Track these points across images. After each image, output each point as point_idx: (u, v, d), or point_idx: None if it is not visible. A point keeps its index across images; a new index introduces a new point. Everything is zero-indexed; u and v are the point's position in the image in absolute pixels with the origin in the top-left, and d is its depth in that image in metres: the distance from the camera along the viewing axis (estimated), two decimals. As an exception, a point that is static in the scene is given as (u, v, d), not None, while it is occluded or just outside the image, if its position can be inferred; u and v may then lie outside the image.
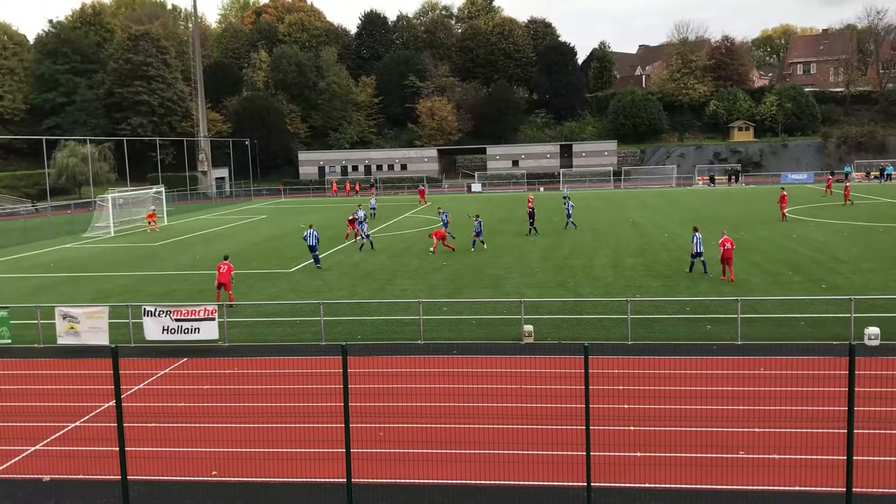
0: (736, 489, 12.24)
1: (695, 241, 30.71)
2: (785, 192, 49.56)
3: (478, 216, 41.13)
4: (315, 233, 35.51)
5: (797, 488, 12.14)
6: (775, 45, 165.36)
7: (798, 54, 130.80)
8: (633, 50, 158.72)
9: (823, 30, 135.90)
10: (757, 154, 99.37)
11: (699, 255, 30.45)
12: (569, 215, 47.67)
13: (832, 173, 76.31)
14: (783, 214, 47.94)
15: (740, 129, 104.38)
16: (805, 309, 23.59)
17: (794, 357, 18.64)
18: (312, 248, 35.39)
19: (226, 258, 27.66)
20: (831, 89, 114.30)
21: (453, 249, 38.86)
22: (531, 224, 45.54)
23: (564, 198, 64.49)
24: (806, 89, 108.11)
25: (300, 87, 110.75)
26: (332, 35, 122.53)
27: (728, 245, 28.92)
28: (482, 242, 40.12)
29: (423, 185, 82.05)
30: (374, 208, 61.11)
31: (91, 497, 12.80)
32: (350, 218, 45.55)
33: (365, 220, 43.70)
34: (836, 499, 11.42)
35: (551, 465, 13.26)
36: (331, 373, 18.82)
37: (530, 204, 47.51)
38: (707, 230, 43.84)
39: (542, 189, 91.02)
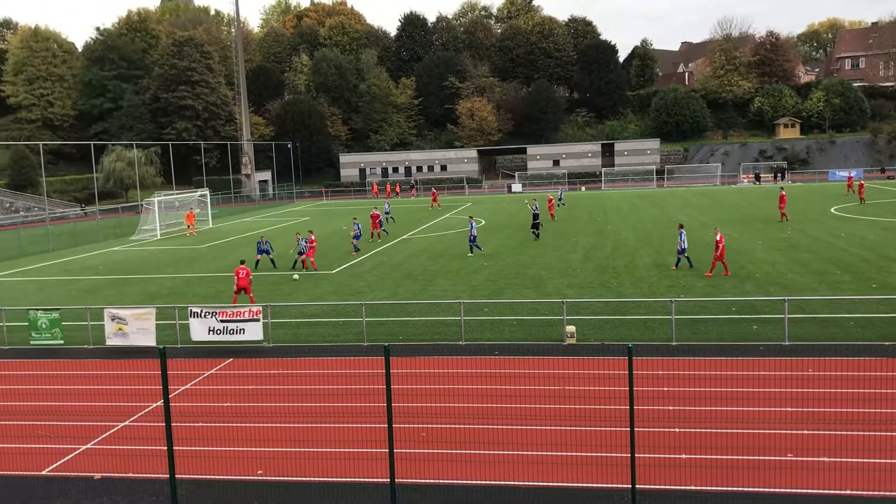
0: (784, 492, 12.01)
1: (680, 238, 31.56)
2: (784, 193, 47.81)
3: (470, 217, 40.37)
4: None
5: (848, 492, 11.88)
6: (822, 39, 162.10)
7: (846, 48, 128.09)
8: (676, 47, 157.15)
9: (873, 23, 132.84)
10: (803, 151, 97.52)
11: (684, 251, 31.46)
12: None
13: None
14: (782, 215, 46.56)
15: (786, 125, 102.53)
16: (854, 309, 23.08)
17: (844, 358, 18.24)
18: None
19: (242, 262, 28.17)
20: (881, 84, 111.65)
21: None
22: (535, 228, 43.38)
23: (559, 200, 64.29)
24: (854, 84, 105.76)
25: (341, 90, 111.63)
26: (372, 37, 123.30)
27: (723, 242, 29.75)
28: (478, 248, 38.80)
29: (434, 189, 79.83)
30: (388, 212, 57.22)
31: (140, 495, 13.04)
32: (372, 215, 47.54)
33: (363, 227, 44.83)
34: (892, 503, 11.15)
35: (595, 466, 13.16)
36: (373, 373, 18.93)
37: (535, 207, 45.09)
38: (754, 229, 43.26)
39: (583, 188, 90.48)
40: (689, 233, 43.09)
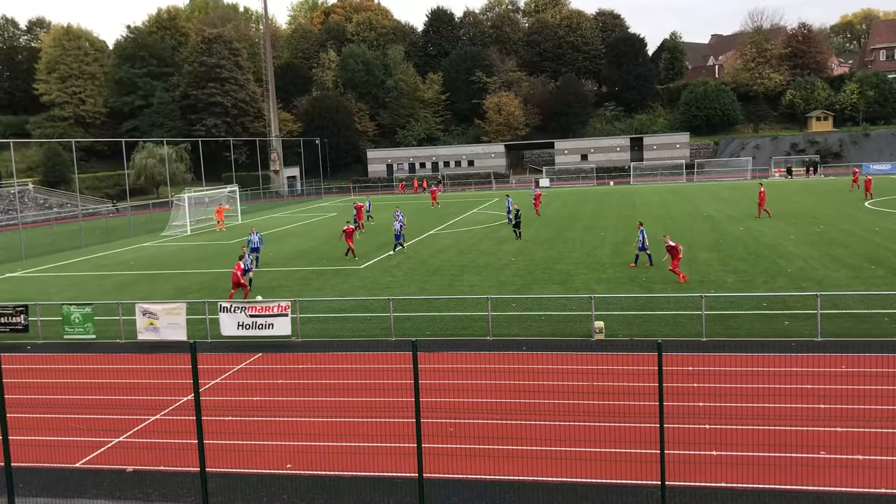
0: (816, 490, 11.84)
1: (640, 235, 31.59)
2: (763, 189, 46.58)
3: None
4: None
5: (883, 490, 11.69)
6: (856, 30, 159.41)
7: (881, 39, 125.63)
8: (706, 40, 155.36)
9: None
10: (836, 144, 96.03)
11: (644, 248, 31.41)
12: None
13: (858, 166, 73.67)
14: (759, 211, 45.78)
15: (818, 118, 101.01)
16: (889, 304, 22.68)
17: (878, 354, 17.95)
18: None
19: (241, 258, 28.62)
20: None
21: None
22: (515, 225, 42.49)
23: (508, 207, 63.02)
24: (889, 76, 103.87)
25: (368, 86, 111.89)
26: (400, 33, 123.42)
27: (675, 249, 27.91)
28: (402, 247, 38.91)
29: (434, 185, 77.91)
30: (368, 211, 55.65)
31: (171, 488, 13.18)
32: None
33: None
34: (925, 502, 10.96)
35: (624, 462, 13.08)
36: (401, 368, 18.95)
37: (512, 205, 44.21)
38: (786, 223, 42.69)
39: (612, 183, 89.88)
40: (718, 226, 42.76)
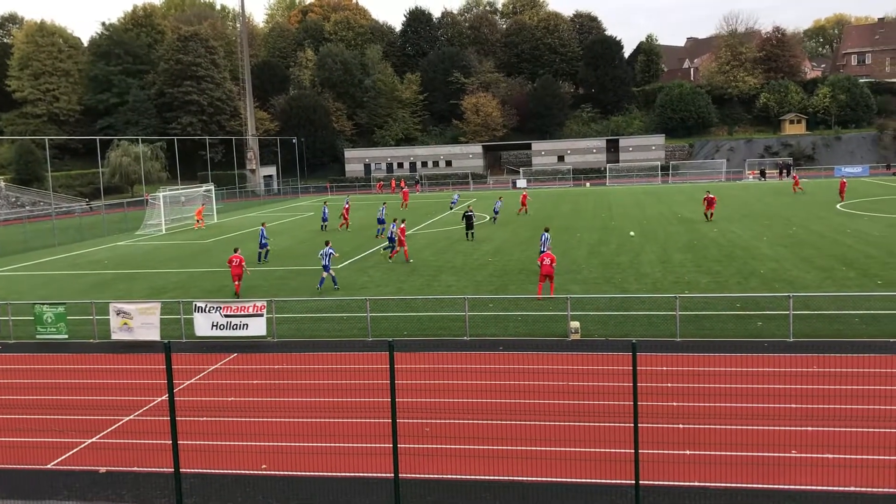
0: (788, 489, 12.00)
1: (542, 240, 31.77)
2: (712, 196, 46.38)
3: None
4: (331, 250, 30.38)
5: (852, 489, 11.86)
6: (828, 35, 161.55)
7: (852, 44, 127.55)
8: (681, 43, 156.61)
9: (879, 18, 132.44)
10: (809, 147, 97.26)
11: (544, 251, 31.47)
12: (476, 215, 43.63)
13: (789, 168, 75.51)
14: (707, 215, 45.64)
15: (792, 121, 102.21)
16: (860, 305, 23.03)
17: (849, 355, 18.20)
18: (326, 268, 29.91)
19: (236, 250, 29.55)
20: (887, 80, 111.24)
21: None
22: (469, 228, 42.42)
23: (452, 203, 64.70)
24: (861, 80, 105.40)
25: (346, 85, 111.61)
26: (378, 33, 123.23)
27: (547, 261, 26.37)
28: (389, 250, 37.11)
29: (407, 186, 76.90)
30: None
31: (145, 489, 13.08)
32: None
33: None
34: (894, 500, 11.14)
35: (599, 462, 13.17)
36: (377, 368, 18.96)
37: (470, 209, 44.14)
38: (759, 225, 43.14)
39: (588, 185, 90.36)
40: (692, 228, 43.13)
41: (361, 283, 31.16)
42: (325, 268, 29.56)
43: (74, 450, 14.88)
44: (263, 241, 38.01)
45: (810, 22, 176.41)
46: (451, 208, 62.31)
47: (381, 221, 45.92)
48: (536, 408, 15.84)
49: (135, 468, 13.88)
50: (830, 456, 13.00)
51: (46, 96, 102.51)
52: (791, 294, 21.25)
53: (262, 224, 39.87)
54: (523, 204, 56.75)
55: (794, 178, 69.90)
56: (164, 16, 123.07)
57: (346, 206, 52.46)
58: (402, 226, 36.75)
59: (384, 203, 52.30)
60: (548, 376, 18.04)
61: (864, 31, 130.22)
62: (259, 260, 37.41)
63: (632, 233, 41.55)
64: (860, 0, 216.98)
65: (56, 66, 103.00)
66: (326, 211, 52.92)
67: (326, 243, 30.71)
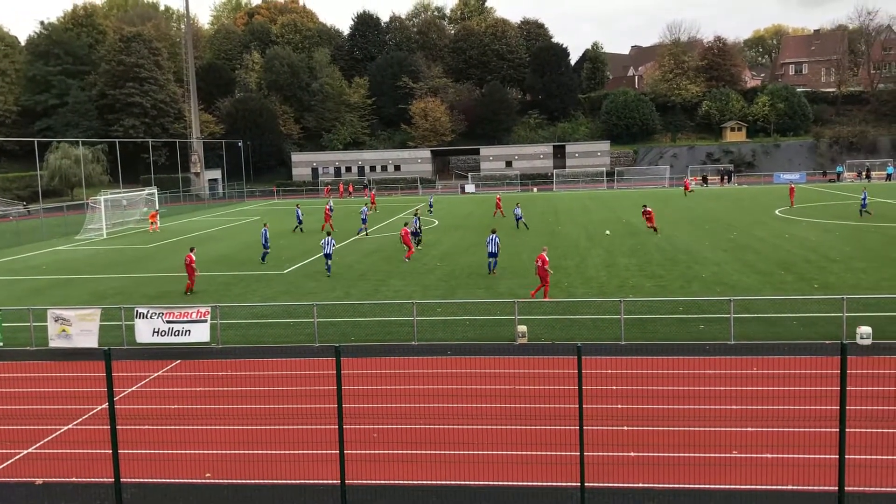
0: (729, 489, 12.26)
1: (489, 241, 32.22)
2: (650, 209, 45.20)
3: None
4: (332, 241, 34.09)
5: (790, 487, 12.18)
6: (767, 45, 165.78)
7: (790, 55, 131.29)
8: (626, 51, 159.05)
9: (815, 30, 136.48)
10: (749, 154, 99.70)
11: (493, 255, 32.09)
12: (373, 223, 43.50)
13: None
14: (649, 227, 44.29)
15: (733, 129, 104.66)
16: (797, 308, 23.66)
17: (787, 356, 18.68)
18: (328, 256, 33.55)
19: (192, 249, 30.76)
20: (823, 89, 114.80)
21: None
22: (416, 235, 41.44)
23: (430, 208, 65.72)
24: (798, 89, 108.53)
25: (293, 89, 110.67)
26: (325, 36, 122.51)
27: (539, 262, 26.69)
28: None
29: (373, 189, 76.88)
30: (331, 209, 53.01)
31: (84, 500, 12.76)
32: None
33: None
34: (829, 498, 11.46)
35: (545, 465, 13.27)
36: (324, 374, 18.83)
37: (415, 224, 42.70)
38: (700, 230, 44.05)
39: (535, 190, 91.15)
40: (636, 232, 43.81)
41: (309, 288, 30.91)
42: (328, 255, 33.27)
43: (9, 461, 14.44)
44: (265, 243, 38.08)
45: (750, 32, 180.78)
46: (430, 212, 63.79)
47: (363, 221, 49.53)
48: (484, 412, 15.90)
49: (73, 479, 13.53)
50: (769, 455, 13.32)
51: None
52: (732, 297, 21.76)
53: (265, 225, 39.62)
54: (498, 206, 58.21)
55: (685, 182, 76.71)
56: (105, 16, 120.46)
57: (329, 208, 52.09)
58: (406, 228, 38.09)
59: (366, 205, 55.96)
60: (495, 380, 18.13)
61: (801, 42, 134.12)
62: (263, 260, 37.72)
63: (607, 231, 42.09)
64: (797, 12, 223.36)
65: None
66: (300, 213, 52.79)
67: (328, 234, 35.34)
